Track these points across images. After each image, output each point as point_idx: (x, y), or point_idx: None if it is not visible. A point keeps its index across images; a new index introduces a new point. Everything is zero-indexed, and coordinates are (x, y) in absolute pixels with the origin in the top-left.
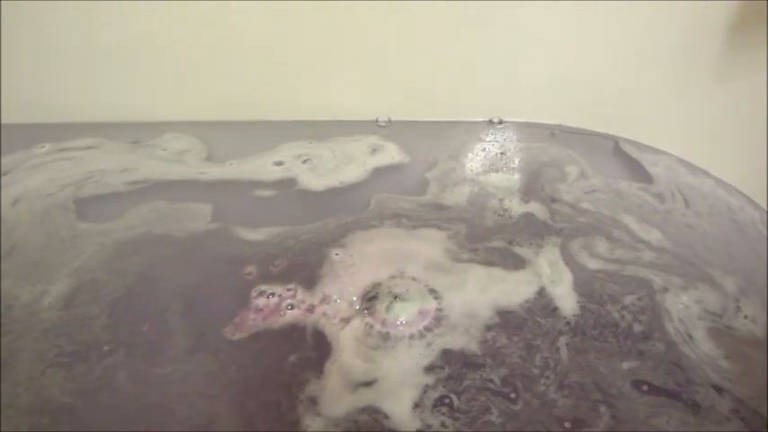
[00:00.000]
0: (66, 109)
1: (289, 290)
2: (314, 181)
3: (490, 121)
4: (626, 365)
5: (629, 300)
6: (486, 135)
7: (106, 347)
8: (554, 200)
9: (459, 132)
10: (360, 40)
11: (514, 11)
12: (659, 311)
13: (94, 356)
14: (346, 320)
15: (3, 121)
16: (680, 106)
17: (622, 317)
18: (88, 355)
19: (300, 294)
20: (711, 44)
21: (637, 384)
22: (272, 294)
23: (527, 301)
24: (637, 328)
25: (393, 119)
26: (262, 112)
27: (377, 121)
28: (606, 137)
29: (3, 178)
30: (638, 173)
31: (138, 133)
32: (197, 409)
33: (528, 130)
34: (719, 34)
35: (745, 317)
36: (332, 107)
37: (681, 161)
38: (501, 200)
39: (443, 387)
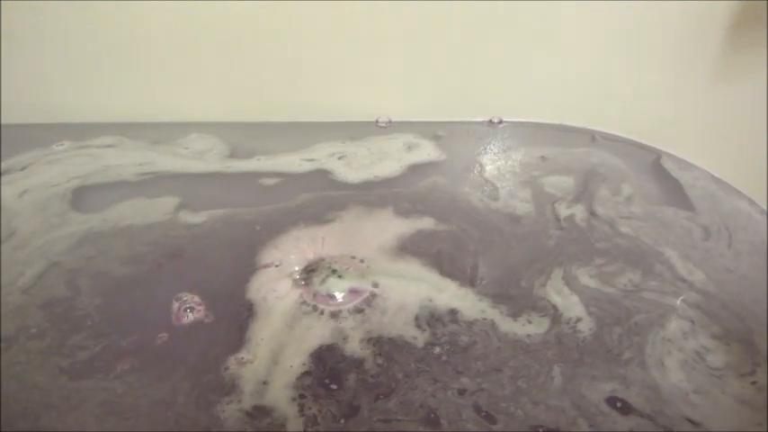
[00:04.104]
0: (87, 109)
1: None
2: (350, 174)
3: (490, 122)
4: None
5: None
6: (520, 136)
7: (33, 329)
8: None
9: (480, 133)
10: (360, 41)
11: (515, 11)
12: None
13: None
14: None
15: (23, 121)
16: (679, 106)
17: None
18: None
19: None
20: (711, 44)
21: None
22: (187, 304)
23: None
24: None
25: (393, 119)
26: (275, 113)
27: (377, 121)
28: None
29: (17, 173)
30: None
31: (164, 133)
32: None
33: (568, 133)
34: (719, 34)
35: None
36: (333, 108)
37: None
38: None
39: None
